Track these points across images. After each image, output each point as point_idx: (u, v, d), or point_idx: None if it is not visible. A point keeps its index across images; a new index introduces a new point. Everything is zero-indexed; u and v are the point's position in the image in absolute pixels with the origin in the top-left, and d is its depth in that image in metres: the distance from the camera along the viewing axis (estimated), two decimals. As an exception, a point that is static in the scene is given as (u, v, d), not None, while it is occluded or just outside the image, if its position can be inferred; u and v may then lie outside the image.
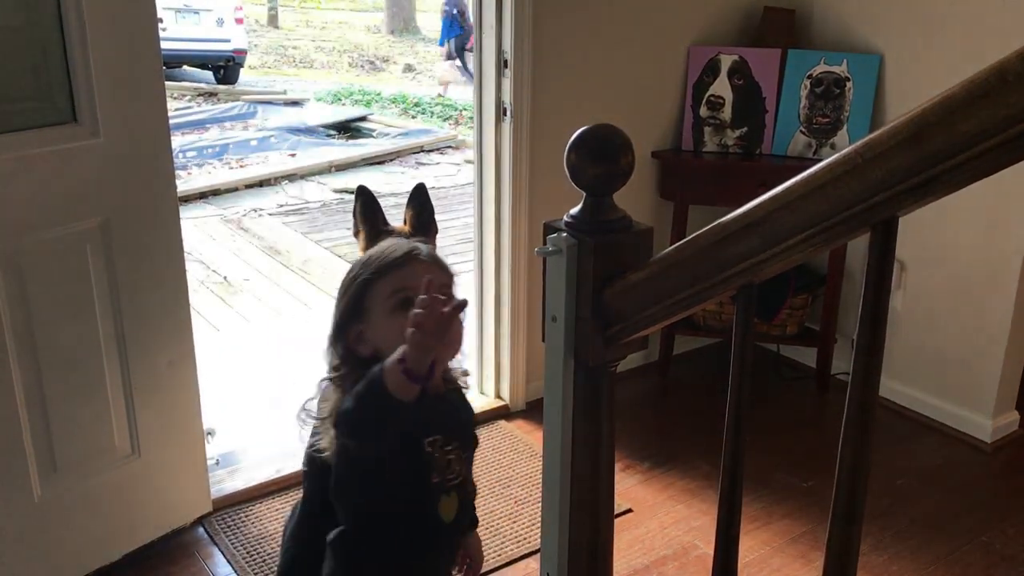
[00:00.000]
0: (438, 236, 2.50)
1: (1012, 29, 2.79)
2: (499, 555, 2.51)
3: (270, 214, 6.65)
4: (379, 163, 8.45)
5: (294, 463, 2.77)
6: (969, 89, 0.81)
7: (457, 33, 12.76)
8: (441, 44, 12.73)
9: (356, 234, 2.42)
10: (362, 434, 1.33)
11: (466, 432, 1.55)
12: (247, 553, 2.49)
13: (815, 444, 3.13)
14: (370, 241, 2.38)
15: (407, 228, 2.41)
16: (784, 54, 3.31)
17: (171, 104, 9.99)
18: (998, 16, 2.84)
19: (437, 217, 2.46)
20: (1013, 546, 2.59)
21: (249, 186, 7.38)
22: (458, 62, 12.83)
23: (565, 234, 1.23)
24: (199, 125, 9.42)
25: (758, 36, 3.41)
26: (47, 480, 2.26)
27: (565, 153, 1.21)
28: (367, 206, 2.38)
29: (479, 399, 3.32)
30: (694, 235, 1.12)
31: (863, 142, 0.91)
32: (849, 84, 3.23)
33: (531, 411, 3.27)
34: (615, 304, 1.22)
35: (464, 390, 1.58)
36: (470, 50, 13.03)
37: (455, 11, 12.79)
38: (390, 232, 2.39)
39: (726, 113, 3.35)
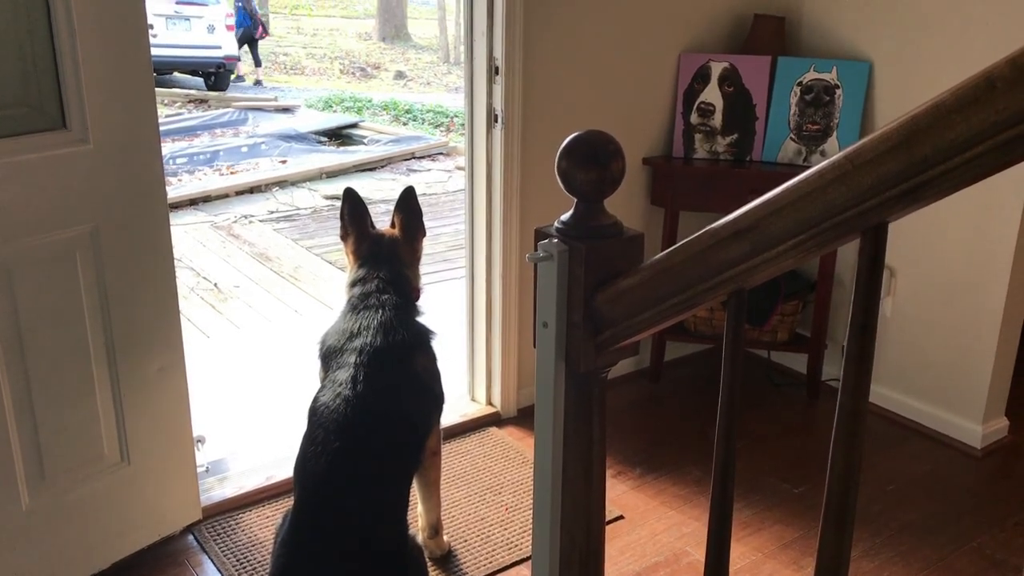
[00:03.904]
0: (428, 241, 2.50)
1: (1000, 36, 2.81)
2: (490, 562, 2.51)
3: (261, 221, 6.63)
4: (370, 170, 8.45)
5: (285, 470, 2.76)
6: (958, 95, 0.82)
7: (247, 24, 13.48)
8: (236, 35, 13.41)
9: (344, 237, 2.41)
10: None
11: None
12: (237, 561, 2.48)
13: (806, 450, 3.14)
14: (359, 244, 2.38)
15: (396, 231, 2.41)
16: (774, 61, 3.32)
17: (161, 110, 9.99)
18: (987, 24, 2.86)
19: (428, 223, 2.47)
20: (1004, 551, 2.60)
21: (240, 193, 7.37)
22: (246, 48, 13.80)
23: (556, 240, 1.23)
24: (189, 132, 9.41)
25: (748, 43, 3.42)
26: (35, 488, 2.24)
27: (556, 159, 1.22)
28: (354, 208, 2.38)
29: (470, 406, 3.32)
30: (685, 241, 1.12)
31: (853, 148, 0.91)
32: (839, 91, 3.24)
33: (522, 418, 3.27)
34: (606, 310, 1.22)
35: None
36: (259, 38, 13.53)
37: (239, 4, 13.59)
38: (379, 235, 2.39)
39: (716, 120, 3.36)
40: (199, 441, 2.74)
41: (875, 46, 3.20)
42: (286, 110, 11.07)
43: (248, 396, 3.51)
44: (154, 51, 2.31)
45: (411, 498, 2.22)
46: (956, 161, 0.84)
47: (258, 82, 13.55)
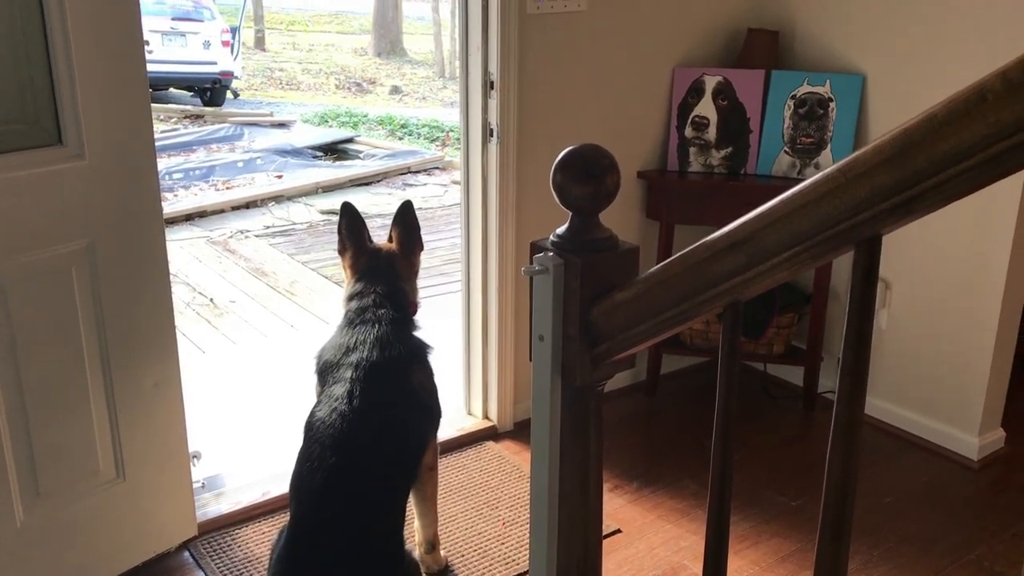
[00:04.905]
0: (424, 255, 2.51)
1: (992, 49, 2.83)
2: (488, 577, 2.50)
3: (256, 236, 6.63)
4: (366, 184, 8.45)
5: (281, 486, 2.75)
6: (950, 108, 0.82)
7: None
8: None
9: (341, 251, 2.42)
10: None
11: None
12: (233, 577, 2.47)
13: (803, 463, 3.13)
14: (356, 259, 2.38)
15: (394, 245, 2.41)
16: (768, 75, 3.33)
17: (157, 126, 9.97)
18: (979, 36, 2.88)
19: (425, 237, 2.47)
20: (1002, 563, 2.59)
21: (235, 208, 7.37)
22: None
23: (552, 253, 1.23)
24: (186, 147, 9.41)
25: (742, 57, 3.44)
26: (30, 505, 2.23)
27: (551, 173, 1.22)
28: (352, 223, 2.38)
29: (467, 420, 3.31)
30: (680, 254, 1.13)
31: (846, 161, 0.92)
32: (832, 104, 3.26)
33: (519, 432, 3.26)
34: (602, 323, 1.22)
35: None
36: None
37: None
38: (376, 249, 2.39)
39: (711, 133, 3.37)
40: (195, 457, 2.73)
41: (868, 59, 3.22)
42: (282, 125, 11.08)
43: (244, 411, 3.50)
44: (150, 67, 2.32)
45: (408, 513, 2.21)
46: (949, 173, 0.85)
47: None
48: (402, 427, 2.16)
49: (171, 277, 2.46)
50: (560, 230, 1.26)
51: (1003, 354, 3.06)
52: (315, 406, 2.15)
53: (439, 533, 2.52)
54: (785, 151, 3.33)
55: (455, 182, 8.11)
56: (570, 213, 1.25)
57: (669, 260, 1.14)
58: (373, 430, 2.08)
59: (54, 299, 2.19)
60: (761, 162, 3.36)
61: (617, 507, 2.83)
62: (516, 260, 3.10)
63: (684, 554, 2.62)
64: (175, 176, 8.12)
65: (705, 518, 1.21)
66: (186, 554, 2.57)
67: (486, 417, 3.31)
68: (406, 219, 2.41)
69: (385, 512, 2.07)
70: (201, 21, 12.32)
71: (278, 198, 7.69)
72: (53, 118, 2.11)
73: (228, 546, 2.60)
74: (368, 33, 19.31)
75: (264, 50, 18.22)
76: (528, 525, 1.39)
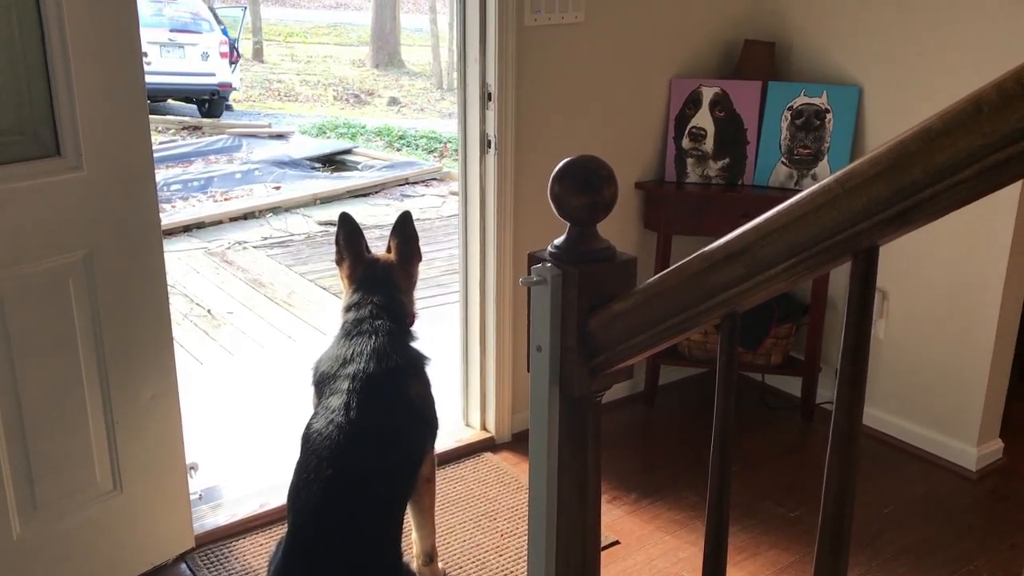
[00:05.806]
0: (422, 266, 2.51)
1: (987, 60, 2.84)
2: (486, 589, 2.49)
3: (254, 247, 6.63)
4: (364, 195, 8.46)
5: (278, 497, 2.74)
6: (946, 119, 0.82)
7: None
8: None
9: (339, 262, 2.42)
10: None
11: None
12: (230, 590, 2.46)
13: (801, 474, 3.13)
14: (354, 269, 2.38)
15: (392, 256, 2.41)
16: (765, 86, 3.34)
17: (155, 137, 9.98)
18: (974, 48, 2.89)
19: (422, 248, 2.47)
20: (1000, 574, 2.59)
21: (233, 219, 7.37)
22: None
23: (550, 264, 1.24)
24: (183, 158, 9.41)
25: (739, 69, 3.45)
26: (27, 517, 2.22)
27: (549, 184, 1.22)
28: (350, 234, 2.39)
29: (465, 431, 3.31)
30: (678, 265, 1.13)
31: (843, 172, 0.92)
32: (829, 116, 3.27)
33: (517, 443, 3.26)
34: (600, 334, 1.22)
35: None
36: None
37: None
38: (374, 260, 2.39)
39: (708, 144, 3.38)
40: (192, 468, 2.72)
41: (864, 71, 3.23)
42: (280, 136, 11.09)
43: (241, 423, 3.49)
44: (148, 78, 2.33)
45: (405, 525, 2.20)
46: (945, 184, 0.85)
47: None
48: (399, 438, 2.16)
49: (169, 288, 2.45)
50: (558, 241, 1.26)
51: (1001, 364, 3.06)
52: (312, 418, 2.14)
53: (437, 545, 2.51)
54: (782, 162, 3.34)
55: (453, 193, 8.12)
56: (568, 224, 1.25)
57: (667, 271, 1.15)
58: (370, 442, 2.07)
59: (52, 310, 2.19)
60: (758, 173, 3.36)
61: (615, 518, 2.82)
62: (514, 271, 3.11)
63: (683, 565, 2.61)
64: (173, 187, 8.12)
65: (703, 529, 1.21)
66: (183, 566, 2.56)
67: (484, 428, 3.30)
68: (404, 230, 2.41)
69: (382, 524, 2.07)
70: (199, 33, 12.35)
71: (276, 209, 7.69)
72: (51, 129, 2.12)
73: (225, 558, 2.59)
74: (366, 45, 19.36)
75: (262, 61, 18.25)
76: (526, 536, 1.39)
